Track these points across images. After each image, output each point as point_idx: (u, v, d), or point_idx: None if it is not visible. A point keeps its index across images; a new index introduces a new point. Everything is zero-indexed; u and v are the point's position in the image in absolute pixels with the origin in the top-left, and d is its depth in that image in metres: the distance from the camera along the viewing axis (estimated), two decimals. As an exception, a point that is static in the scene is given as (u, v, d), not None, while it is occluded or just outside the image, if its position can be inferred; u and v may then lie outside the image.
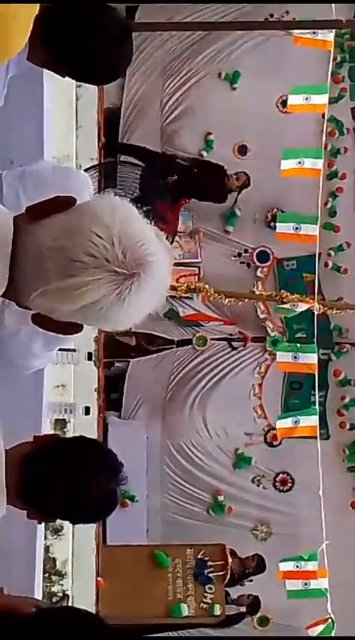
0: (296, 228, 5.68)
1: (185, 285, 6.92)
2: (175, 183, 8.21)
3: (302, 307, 5.95)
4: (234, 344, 8.86)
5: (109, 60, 2.42)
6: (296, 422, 5.63)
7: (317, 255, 6.67)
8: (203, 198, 8.43)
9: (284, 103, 8.68)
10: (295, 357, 5.59)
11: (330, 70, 6.55)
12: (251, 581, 7.93)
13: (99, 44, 2.37)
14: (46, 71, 5.31)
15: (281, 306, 6.24)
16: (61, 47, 2.35)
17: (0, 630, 1.35)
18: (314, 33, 6.04)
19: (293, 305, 5.93)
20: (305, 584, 5.83)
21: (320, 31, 6.02)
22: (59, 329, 1.64)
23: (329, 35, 6.02)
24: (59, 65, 2.43)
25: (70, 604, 5.52)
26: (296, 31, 6.28)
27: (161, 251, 1.58)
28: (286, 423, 5.67)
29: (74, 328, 1.64)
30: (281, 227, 5.84)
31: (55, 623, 1.34)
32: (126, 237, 1.53)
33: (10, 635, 1.33)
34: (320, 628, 5.97)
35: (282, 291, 7.47)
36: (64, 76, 2.38)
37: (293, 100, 5.78)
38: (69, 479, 2.10)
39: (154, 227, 1.63)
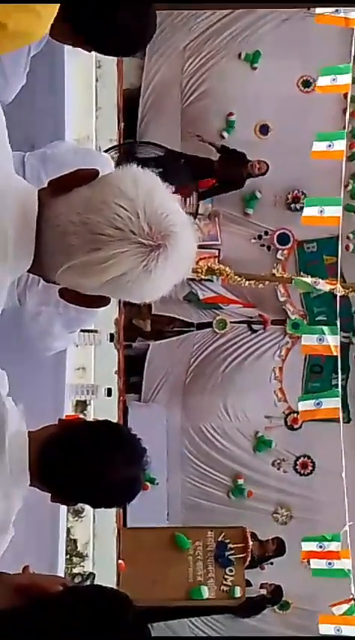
0: (321, 211, 5.65)
1: (205, 266, 6.88)
2: (196, 168, 8.14)
3: (323, 286, 5.91)
4: (254, 327, 8.83)
5: (134, 28, 2.39)
6: (318, 404, 5.61)
7: (339, 236, 6.61)
8: (224, 188, 8.37)
9: (304, 83, 8.61)
10: (320, 340, 5.56)
11: (354, 49, 6.45)
12: (271, 564, 7.93)
13: (123, 12, 2.33)
14: (66, 53, 5.28)
15: (300, 278, 6.19)
16: (85, 18, 2.31)
17: (28, 608, 1.35)
18: (336, 11, 5.96)
19: (315, 282, 5.88)
20: (329, 563, 5.84)
21: (342, 8, 5.93)
22: (86, 302, 1.63)
23: (353, 13, 5.94)
24: (83, 38, 2.38)
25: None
26: (318, 10, 6.19)
27: (185, 221, 1.57)
28: (308, 405, 5.65)
29: (101, 301, 1.63)
30: (307, 210, 5.82)
31: (83, 601, 1.33)
32: (150, 208, 1.52)
33: (39, 613, 1.33)
34: (344, 607, 5.97)
35: (302, 273, 7.43)
36: (89, 51, 2.33)
37: (322, 81, 5.74)
38: (92, 463, 2.08)
39: (176, 197, 1.61)
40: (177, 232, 1.53)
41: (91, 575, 5.53)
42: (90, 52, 2.43)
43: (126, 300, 1.65)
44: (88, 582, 4.98)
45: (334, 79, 5.67)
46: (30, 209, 1.58)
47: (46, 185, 1.64)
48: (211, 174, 8.22)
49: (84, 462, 2.08)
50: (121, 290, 1.56)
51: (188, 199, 7.06)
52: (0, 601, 1.38)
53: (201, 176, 8.12)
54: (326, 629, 6.33)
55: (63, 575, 5.35)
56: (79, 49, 2.46)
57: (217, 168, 8.22)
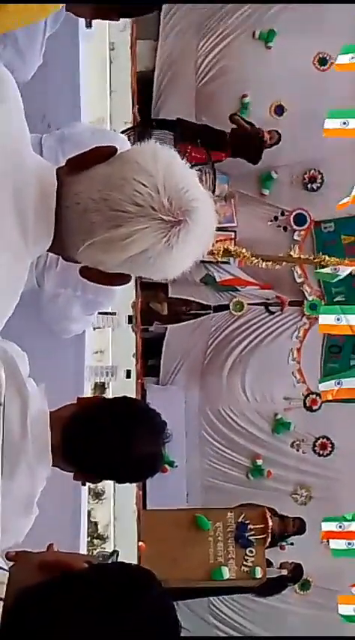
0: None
1: (222, 248, 6.86)
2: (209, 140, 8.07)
3: (346, 271, 5.87)
4: (271, 308, 8.80)
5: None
6: (339, 384, 5.59)
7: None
8: (238, 153, 8.28)
9: (320, 61, 8.52)
10: (338, 319, 5.53)
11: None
12: (291, 544, 7.95)
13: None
14: (81, 34, 5.24)
15: (321, 270, 6.15)
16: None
17: (53, 584, 1.35)
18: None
19: (335, 269, 5.84)
20: (349, 543, 5.84)
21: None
22: (107, 280, 1.62)
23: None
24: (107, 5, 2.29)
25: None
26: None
27: (204, 196, 1.56)
28: (329, 385, 5.63)
29: (122, 279, 1.62)
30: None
31: (108, 576, 1.34)
32: (170, 184, 1.51)
33: (63, 589, 1.33)
34: (363, 588, 5.99)
35: (320, 253, 7.38)
36: (117, 19, 2.24)
37: (342, 59, 5.67)
38: (113, 437, 2.10)
39: (195, 172, 1.60)
40: (198, 207, 1.52)
41: (115, 552, 5.57)
42: (118, 20, 2.29)
43: (147, 277, 1.64)
44: (112, 560, 5.01)
45: (353, 57, 5.60)
46: (49, 188, 1.58)
47: (63, 164, 1.63)
48: (224, 147, 8.17)
49: (106, 437, 2.10)
50: (143, 267, 1.55)
51: (203, 179, 7.01)
52: (25, 578, 1.38)
53: (214, 148, 8.06)
54: (345, 610, 6.34)
55: (84, 557, 5.37)
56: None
57: (230, 140, 8.16)
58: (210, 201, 1.59)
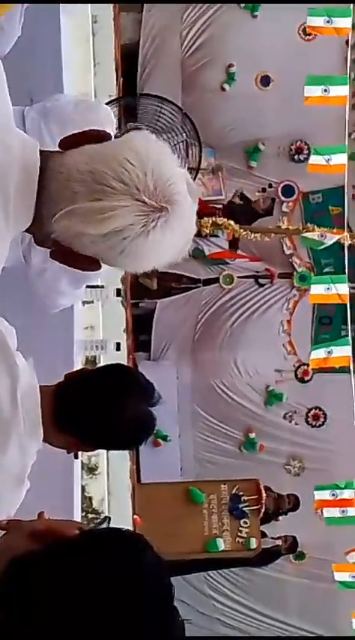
0: (328, 160, 5.58)
1: (210, 221, 6.84)
2: None
3: (332, 238, 5.86)
4: (261, 281, 8.80)
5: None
6: (329, 352, 5.60)
7: (345, 186, 6.54)
8: None
9: (305, 31, 8.44)
10: (328, 289, 5.53)
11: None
12: (285, 514, 8.01)
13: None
14: (62, 9, 5.17)
15: (307, 234, 6.14)
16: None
17: (44, 552, 1.36)
18: None
19: (322, 236, 5.84)
20: (343, 511, 5.87)
21: None
22: (78, 264, 1.60)
23: None
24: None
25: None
26: None
27: (188, 197, 1.56)
28: (320, 353, 5.64)
29: (93, 264, 1.60)
30: (315, 159, 5.74)
31: (100, 545, 1.34)
32: (158, 171, 1.51)
33: (57, 557, 1.34)
34: (357, 553, 6.04)
35: (308, 224, 7.36)
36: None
37: (313, 21, 5.59)
38: (104, 402, 2.13)
39: (185, 172, 1.60)
40: (180, 202, 1.52)
41: (107, 518, 5.61)
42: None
43: (118, 266, 1.62)
44: (104, 525, 5.05)
45: (328, 21, 5.52)
46: (31, 168, 1.56)
47: (47, 141, 1.63)
48: None
49: (99, 402, 2.13)
50: (116, 250, 1.53)
51: (190, 152, 6.98)
52: (16, 547, 1.38)
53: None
54: (341, 577, 6.40)
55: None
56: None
57: None
58: (193, 206, 1.58)
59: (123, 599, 1.27)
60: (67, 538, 1.38)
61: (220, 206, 8.55)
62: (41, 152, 1.59)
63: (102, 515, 5.73)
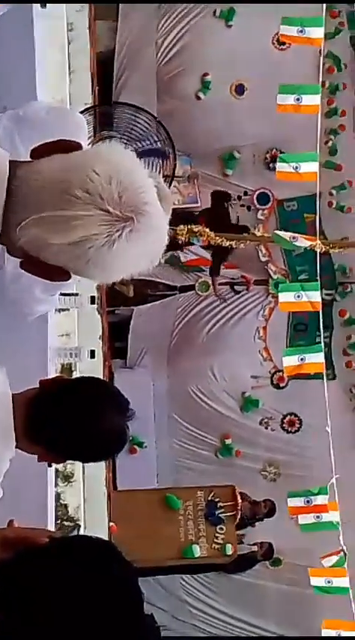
0: (296, 167, 5.59)
1: (186, 229, 6.86)
2: None
3: (302, 242, 5.88)
4: (237, 288, 8.84)
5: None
6: (302, 359, 5.61)
7: (317, 194, 6.59)
8: None
9: (280, 40, 8.50)
10: (298, 296, 5.54)
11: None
12: (261, 520, 8.03)
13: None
14: (35, 16, 5.17)
15: (279, 233, 6.16)
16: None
17: (15, 561, 1.36)
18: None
19: (293, 238, 5.85)
20: (317, 517, 5.88)
21: None
22: (47, 274, 1.61)
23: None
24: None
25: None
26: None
27: (158, 207, 1.56)
28: (292, 360, 5.65)
29: (62, 274, 1.61)
30: (282, 167, 5.75)
31: (70, 551, 1.35)
32: (127, 180, 1.51)
33: (26, 565, 1.34)
34: (333, 559, 6.04)
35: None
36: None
37: (285, 30, 5.62)
38: (78, 414, 2.12)
39: (159, 185, 1.60)
40: (150, 212, 1.52)
41: (77, 526, 5.59)
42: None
43: (86, 276, 1.62)
44: (74, 533, 5.03)
45: (301, 31, 5.56)
46: (0, 174, 1.57)
47: (20, 149, 1.63)
48: None
49: (72, 414, 2.11)
50: (83, 259, 1.53)
51: (166, 161, 7.00)
52: (-14, 555, 1.39)
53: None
54: (316, 582, 6.41)
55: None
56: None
57: None
58: (165, 220, 1.58)
59: (94, 602, 1.28)
60: (37, 545, 1.39)
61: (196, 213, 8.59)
62: (10, 162, 1.60)
63: (81, 532, 5.72)
